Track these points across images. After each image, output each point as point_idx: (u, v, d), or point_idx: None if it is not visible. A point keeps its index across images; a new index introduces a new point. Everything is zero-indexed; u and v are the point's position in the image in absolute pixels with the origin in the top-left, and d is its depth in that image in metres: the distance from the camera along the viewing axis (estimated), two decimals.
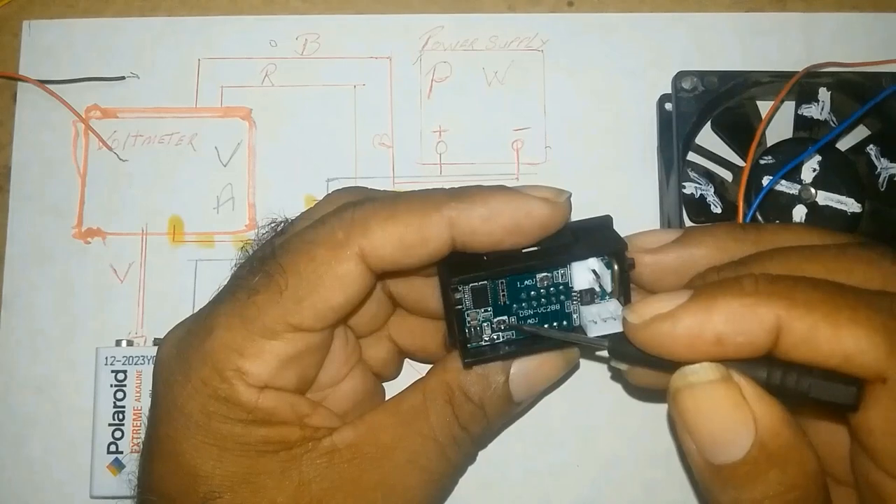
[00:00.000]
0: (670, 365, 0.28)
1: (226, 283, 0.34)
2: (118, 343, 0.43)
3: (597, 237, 0.32)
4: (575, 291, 0.32)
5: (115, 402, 0.42)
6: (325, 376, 0.35)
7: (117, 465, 0.41)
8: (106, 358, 0.42)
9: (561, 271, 0.32)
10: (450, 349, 0.34)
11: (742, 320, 0.26)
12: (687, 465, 0.42)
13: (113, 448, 0.41)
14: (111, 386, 0.42)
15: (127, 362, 0.42)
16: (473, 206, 0.31)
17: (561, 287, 0.32)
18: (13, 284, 0.45)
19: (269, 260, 0.32)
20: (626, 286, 0.32)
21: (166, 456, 0.31)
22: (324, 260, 0.31)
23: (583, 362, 0.43)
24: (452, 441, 0.33)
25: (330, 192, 0.37)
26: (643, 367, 0.30)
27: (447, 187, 0.33)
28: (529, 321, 0.33)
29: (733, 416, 0.26)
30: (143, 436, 0.34)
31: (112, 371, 0.42)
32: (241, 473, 0.31)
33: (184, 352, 0.32)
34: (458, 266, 0.32)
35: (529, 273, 0.32)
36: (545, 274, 0.32)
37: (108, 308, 0.44)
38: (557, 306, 0.32)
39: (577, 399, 0.43)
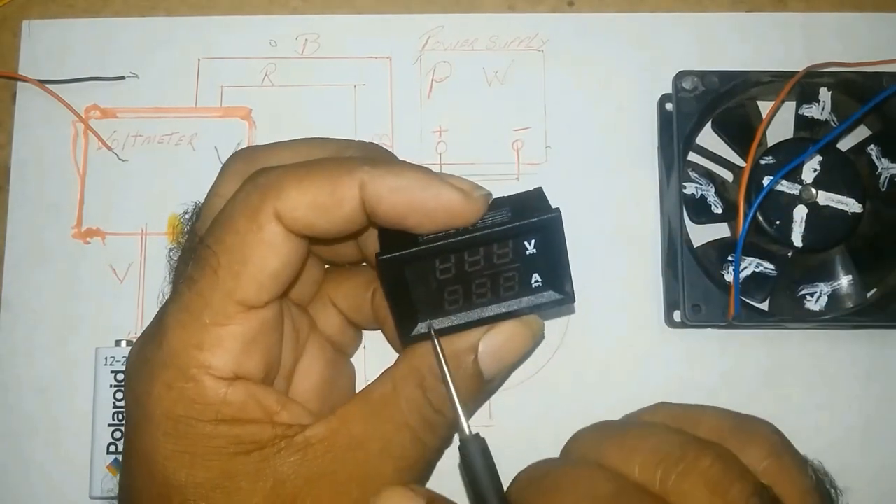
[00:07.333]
0: None
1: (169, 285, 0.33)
2: (118, 343, 0.43)
3: (530, 209, 0.32)
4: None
5: (114, 403, 0.42)
6: (282, 356, 0.34)
7: (117, 466, 0.41)
8: (105, 358, 0.42)
9: (496, 246, 0.32)
10: (404, 344, 0.34)
11: None
12: None
13: (112, 448, 0.41)
14: (111, 386, 0.42)
15: (126, 363, 0.42)
16: (385, 174, 0.31)
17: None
18: (13, 284, 0.45)
19: (197, 246, 0.32)
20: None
21: (140, 468, 0.31)
22: (247, 229, 0.31)
23: (586, 369, 0.44)
24: (426, 425, 0.33)
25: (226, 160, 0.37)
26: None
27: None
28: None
29: None
30: None
31: (112, 371, 0.42)
32: (214, 479, 0.30)
33: (145, 361, 0.32)
34: (393, 244, 0.31)
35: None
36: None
37: (107, 308, 0.44)
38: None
39: (579, 401, 0.43)
